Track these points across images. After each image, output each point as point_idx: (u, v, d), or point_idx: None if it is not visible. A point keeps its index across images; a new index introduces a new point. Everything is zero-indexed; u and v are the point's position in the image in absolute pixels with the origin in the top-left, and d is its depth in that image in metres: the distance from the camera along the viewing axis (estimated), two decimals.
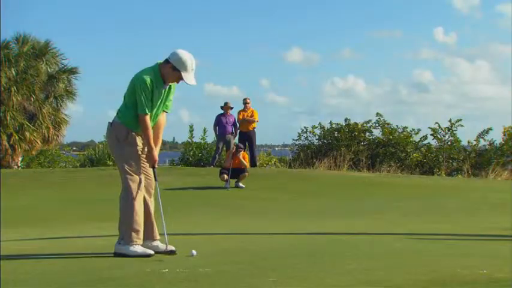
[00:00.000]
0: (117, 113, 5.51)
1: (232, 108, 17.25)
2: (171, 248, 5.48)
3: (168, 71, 5.38)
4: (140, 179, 5.40)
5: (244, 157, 13.77)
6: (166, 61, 5.37)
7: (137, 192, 5.35)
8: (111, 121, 5.52)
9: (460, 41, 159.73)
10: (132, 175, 5.36)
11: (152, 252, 5.31)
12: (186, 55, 5.37)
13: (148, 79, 5.34)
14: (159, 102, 5.45)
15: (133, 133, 5.43)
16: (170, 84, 5.51)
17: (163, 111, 5.57)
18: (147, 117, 5.37)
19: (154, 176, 5.65)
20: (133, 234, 5.30)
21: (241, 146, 14.61)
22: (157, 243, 5.49)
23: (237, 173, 13.48)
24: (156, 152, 5.51)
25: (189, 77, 5.40)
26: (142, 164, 5.48)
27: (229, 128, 17.06)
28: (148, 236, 5.47)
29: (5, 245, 6.20)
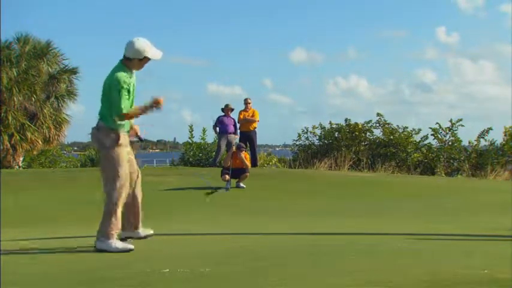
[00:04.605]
0: (101, 117, 5.59)
1: (233, 110, 17.24)
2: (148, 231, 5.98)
3: (137, 64, 5.61)
4: (126, 183, 5.60)
5: (245, 157, 13.77)
6: (128, 59, 5.56)
7: (122, 194, 5.57)
8: (95, 126, 5.64)
9: (463, 40, 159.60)
10: (121, 178, 5.53)
11: (132, 246, 5.55)
12: (140, 43, 5.57)
13: (122, 74, 5.50)
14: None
15: (122, 134, 5.60)
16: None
17: None
18: (126, 114, 5.49)
19: (139, 139, 5.94)
20: (112, 229, 5.54)
21: (243, 145, 14.60)
22: (139, 230, 5.94)
23: (238, 173, 13.48)
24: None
25: (154, 54, 5.62)
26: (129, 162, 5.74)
27: (231, 127, 17.05)
28: (136, 225, 5.92)
29: (5, 245, 6.20)
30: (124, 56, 5.60)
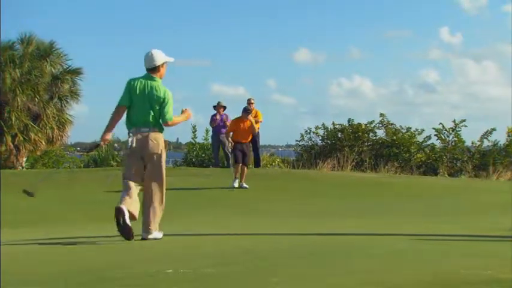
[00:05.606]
0: (155, 124, 6.25)
1: (225, 107, 17.28)
2: None
3: (164, 71, 6.37)
4: None
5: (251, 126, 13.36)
6: (154, 68, 6.25)
7: None
8: (148, 130, 6.21)
9: (466, 41, 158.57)
10: None
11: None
12: (156, 51, 6.29)
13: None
14: None
15: None
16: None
17: None
18: (173, 122, 6.41)
19: None
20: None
21: (249, 108, 14.01)
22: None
23: (243, 151, 13.20)
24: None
25: (169, 58, 6.39)
26: None
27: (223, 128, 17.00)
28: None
29: (6, 245, 6.21)
30: (151, 68, 6.26)
